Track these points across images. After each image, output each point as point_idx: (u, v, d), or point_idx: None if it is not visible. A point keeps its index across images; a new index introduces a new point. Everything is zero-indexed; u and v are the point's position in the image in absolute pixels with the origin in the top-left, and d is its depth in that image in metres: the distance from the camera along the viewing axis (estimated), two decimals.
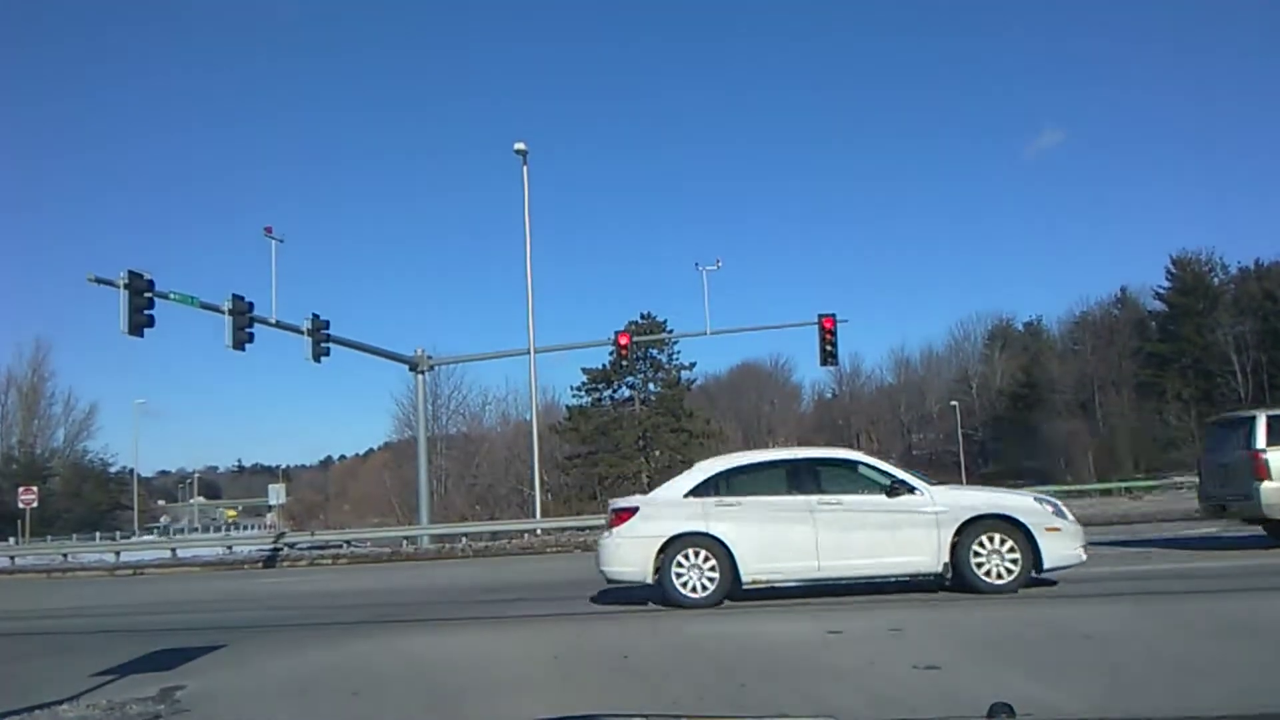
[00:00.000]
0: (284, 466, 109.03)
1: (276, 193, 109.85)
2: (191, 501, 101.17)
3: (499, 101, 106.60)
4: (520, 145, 28.98)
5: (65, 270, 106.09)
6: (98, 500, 66.05)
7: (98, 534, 48.79)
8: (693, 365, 58.96)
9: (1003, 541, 8.77)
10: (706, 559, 8.95)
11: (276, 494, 54.49)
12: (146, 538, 47.36)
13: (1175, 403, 61.44)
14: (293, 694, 6.28)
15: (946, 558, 8.79)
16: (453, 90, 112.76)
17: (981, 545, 8.78)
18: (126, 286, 19.44)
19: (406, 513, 42.04)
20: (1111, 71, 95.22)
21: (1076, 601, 8.50)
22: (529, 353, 30.39)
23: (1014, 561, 8.74)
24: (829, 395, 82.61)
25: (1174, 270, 67.75)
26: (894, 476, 9.19)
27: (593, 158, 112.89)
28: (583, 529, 29.24)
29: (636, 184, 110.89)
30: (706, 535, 8.97)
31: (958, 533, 8.79)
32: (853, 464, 9.59)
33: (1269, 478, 11.67)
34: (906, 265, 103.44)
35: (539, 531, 27.65)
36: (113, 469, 70.48)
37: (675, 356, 57.53)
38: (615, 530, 9.23)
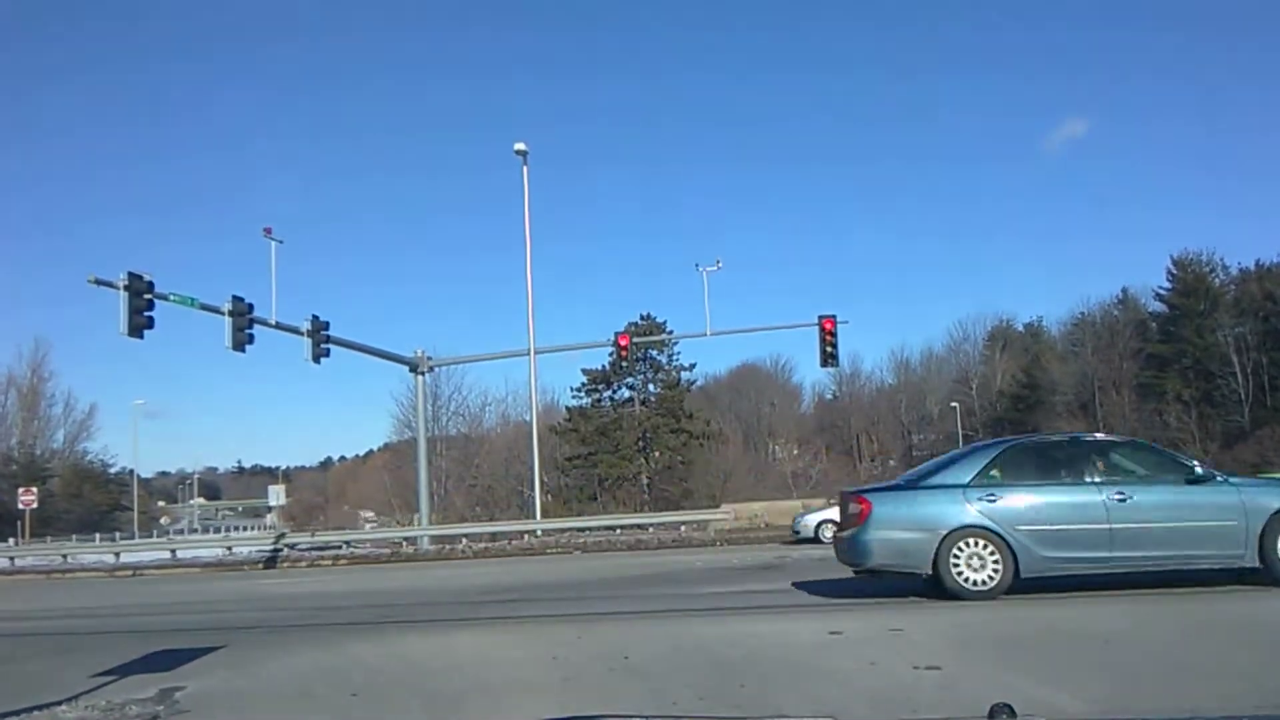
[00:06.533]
0: (284, 467, 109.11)
1: (276, 194, 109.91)
2: (191, 502, 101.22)
3: (499, 102, 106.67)
4: (520, 146, 29.00)
5: (65, 270, 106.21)
6: (97, 501, 66.04)
7: (97, 535, 48.79)
8: (693, 366, 58.97)
9: None
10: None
11: (276, 495, 54.51)
12: (148, 539, 47.34)
13: (1176, 404, 61.38)
14: (292, 695, 6.27)
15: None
16: (452, 91, 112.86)
17: None
18: (126, 288, 19.45)
19: (406, 514, 42.03)
20: (1111, 73, 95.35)
21: (1076, 601, 8.49)
22: (529, 354, 30.40)
23: None
24: (829, 396, 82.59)
25: (1175, 271, 67.70)
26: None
27: (593, 158, 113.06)
28: (583, 530, 29.28)
29: (637, 184, 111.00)
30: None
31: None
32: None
33: None
34: (907, 266, 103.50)
35: (539, 533, 27.67)
36: (112, 470, 70.51)
37: (675, 357, 57.52)
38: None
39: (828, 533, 21.19)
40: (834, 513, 21.94)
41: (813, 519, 22.16)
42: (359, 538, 31.45)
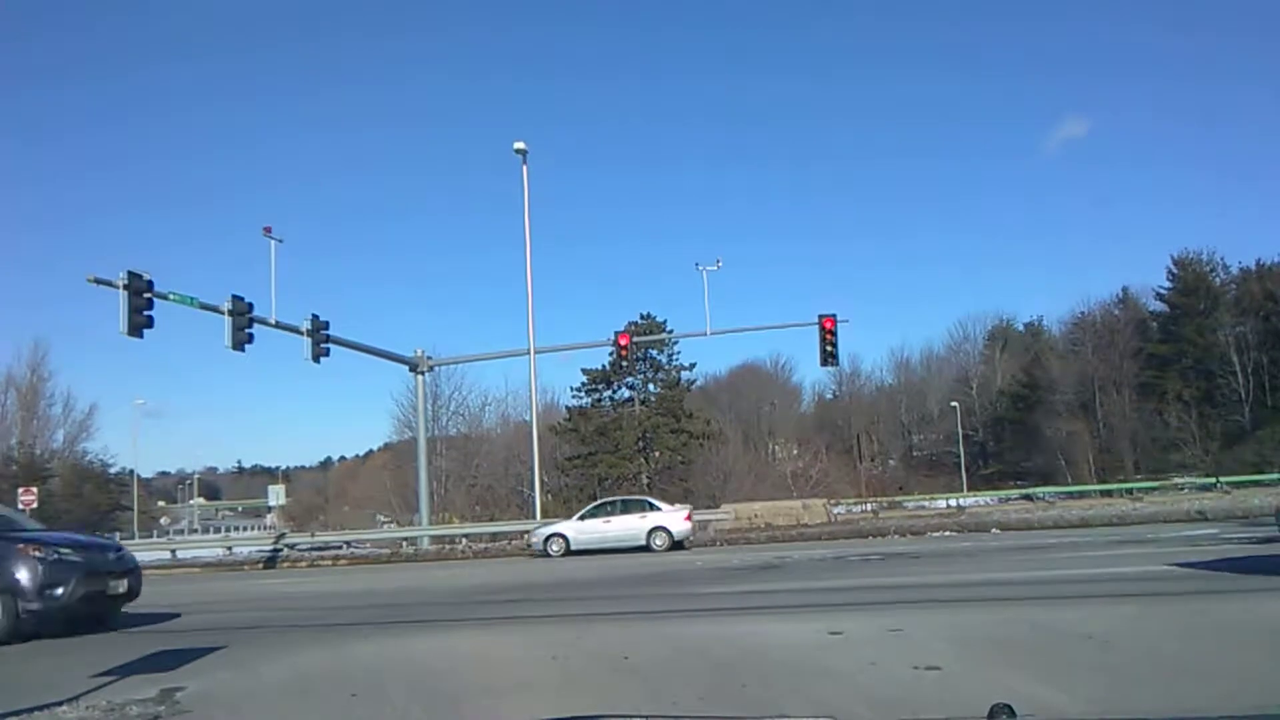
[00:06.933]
0: (284, 467, 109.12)
1: (276, 193, 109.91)
2: (191, 502, 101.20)
3: (498, 101, 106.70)
4: (520, 145, 28.98)
5: (65, 270, 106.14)
6: (97, 501, 65.98)
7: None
8: (693, 366, 58.99)
9: None
10: None
11: (276, 495, 54.46)
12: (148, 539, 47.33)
13: (1176, 404, 61.36)
14: (292, 695, 6.27)
15: None
16: (452, 90, 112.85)
17: None
18: (126, 287, 19.45)
19: (406, 513, 42.03)
20: (1111, 73, 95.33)
21: (1076, 602, 8.49)
22: (529, 353, 30.38)
23: None
24: (829, 396, 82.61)
25: (1175, 270, 67.72)
26: None
27: (593, 157, 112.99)
28: None
29: (637, 184, 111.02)
30: None
31: None
32: None
33: None
34: (907, 265, 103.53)
35: None
36: (112, 470, 70.41)
37: (675, 357, 57.53)
38: None
39: (555, 546, 22.31)
40: (563, 527, 23.11)
41: (543, 532, 22.99)
42: (359, 538, 31.45)
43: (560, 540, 22.31)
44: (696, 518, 30.00)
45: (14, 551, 9.29)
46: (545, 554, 22.06)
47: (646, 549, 21.68)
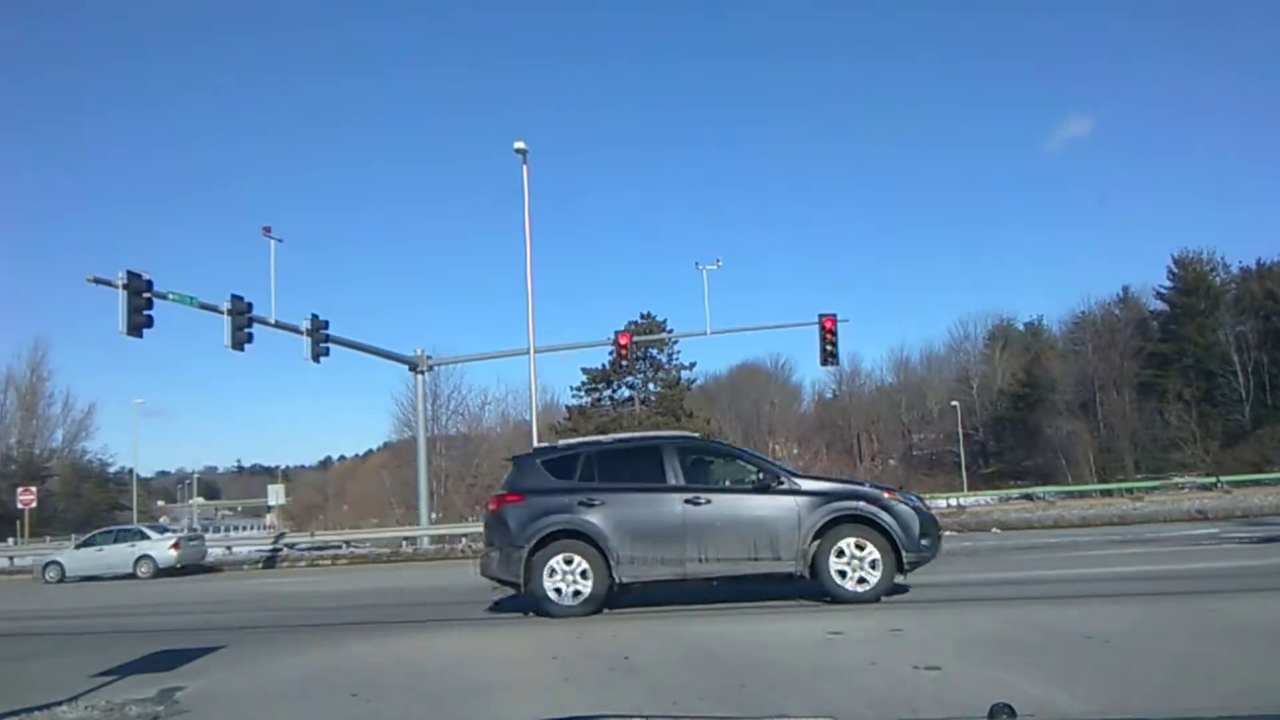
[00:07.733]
0: (283, 467, 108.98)
1: (276, 192, 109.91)
2: (191, 502, 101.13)
3: (498, 100, 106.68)
4: (520, 144, 28.92)
5: (65, 270, 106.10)
6: (97, 501, 65.99)
7: None
8: (693, 365, 59.11)
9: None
10: None
11: (276, 494, 54.40)
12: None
13: (1176, 403, 61.38)
14: (292, 695, 6.27)
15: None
16: (452, 89, 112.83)
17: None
18: (125, 287, 19.44)
19: (406, 513, 42.06)
20: (1110, 73, 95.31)
21: (1077, 602, 8.49)
22: (529, 353, 30.34)
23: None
24: (829, 395, 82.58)
25: (1175, 270, 67.73)
26: None
27: (593, 157, 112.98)
28: None
29: (636, 183, 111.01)
30: None
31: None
32: None
33: None
34: (907, 265, 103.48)
35: None
36: (112, 469, 70.42)
37: (675, 356, 57.68)
38: None
39: (51, 573, 24.26)
40: (60, 555, 25.28)
41: (45, 559, 25.53)
42: (358, 537, 31.45)
43: (57, 567, 24.47)
44: None
45: (891, 501, 9.17)
46: (44, 580, 24.07)
47: (133, 576, 23.23)
